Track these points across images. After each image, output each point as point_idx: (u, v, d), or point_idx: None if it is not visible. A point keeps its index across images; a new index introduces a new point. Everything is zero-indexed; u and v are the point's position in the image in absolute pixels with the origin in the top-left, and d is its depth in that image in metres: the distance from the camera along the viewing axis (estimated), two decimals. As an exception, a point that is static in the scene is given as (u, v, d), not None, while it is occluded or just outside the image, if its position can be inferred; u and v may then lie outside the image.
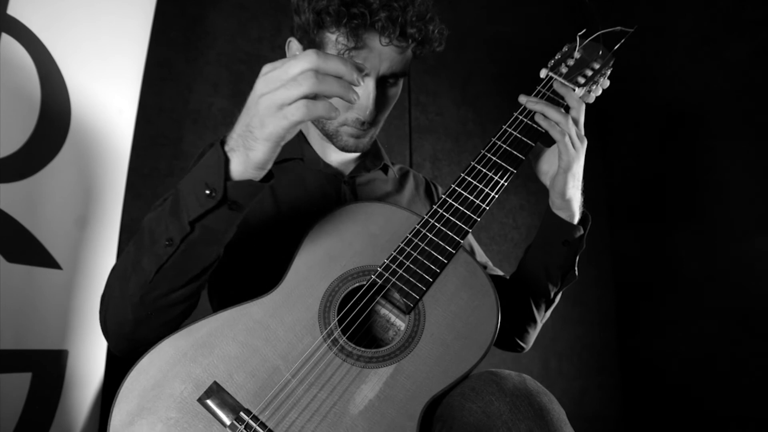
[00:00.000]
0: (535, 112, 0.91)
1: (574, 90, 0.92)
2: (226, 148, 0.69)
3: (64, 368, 1.29)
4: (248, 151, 0.67)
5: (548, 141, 0.93)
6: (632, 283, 2.49)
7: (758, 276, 1.91)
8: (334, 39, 0.89)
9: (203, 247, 0.74)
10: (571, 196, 0.92)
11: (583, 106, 0.91)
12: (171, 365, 0.75)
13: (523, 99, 0.92)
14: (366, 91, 0.92)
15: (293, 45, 0.99)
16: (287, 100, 0.63)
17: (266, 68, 0.66)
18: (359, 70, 0.67)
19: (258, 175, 0.70)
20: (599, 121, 2.46)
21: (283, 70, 0.64)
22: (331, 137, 1.00)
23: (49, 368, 1.25)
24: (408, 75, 0.98)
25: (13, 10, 1.22)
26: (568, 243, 0.94)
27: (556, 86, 0.92)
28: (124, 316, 0.78)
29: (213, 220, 0.71)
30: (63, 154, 1.30)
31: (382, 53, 0.90)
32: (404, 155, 2.24)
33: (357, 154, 1.11)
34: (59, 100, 1.31)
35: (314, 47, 0.91)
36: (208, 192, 0.69)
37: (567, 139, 0.87)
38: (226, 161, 0.68)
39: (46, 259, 1.25)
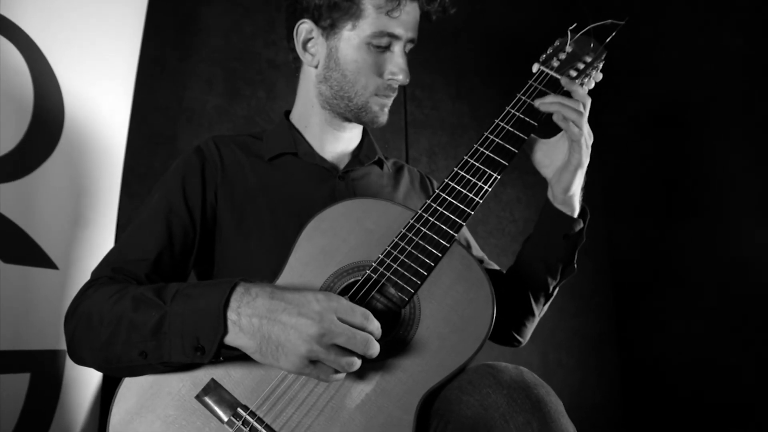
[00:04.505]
0: (527, 106, 0.91)
1: (582, 83, 0.92)
2: (230, 317, 0.68)
3: (62, 368, 1.29)
4: (260, 355, 0.68)
5: (542, 133, 0.93)
6: (630, 274, 2.49)
7: (756, 268, 1.92)
8: (374, 3, 0.93)
9: (176, 366, 0.74)
10: (575, 191, 0.92)
11: (590, 102, 0.90)
12: (168, 363, 0.75)
13: (537, 103, 0.90)
14: (399, 54, 0.97)
15: (305, 27, 1.00)
16: (341, 370, 0.68)
17: (356, 317, 0.69)
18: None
19: None
20: (593, 115, 2.45)
21: (364, 343, 0.68)
22: (359, 112, 1.01)
23: (47, 368, 1.25)
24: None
25: (4, 10, 1.22)
26: (568, 236, 0.94)
27: (564, 83, 0.91)
28: (85, 360, 0.79)
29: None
30: (57, 153, 1.30)
31: (411, 18, 0.96)
32: (400, 150, 2.24)
33: (353, 147, 1.11)
34: (52, 99, 1.31)
35: (346, 19, 0.95)
36: (197, 350, 0.69)
37: (583, 139, 0.87)
38: (225, 332, 0.68)
39: (42, 260, 1.25)
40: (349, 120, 1.05)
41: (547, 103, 0.89)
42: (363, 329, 0.69)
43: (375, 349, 0.69)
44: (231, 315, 0.68)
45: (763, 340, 1.88)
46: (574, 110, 0.87)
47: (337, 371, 0.68)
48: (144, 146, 1.74)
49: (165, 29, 1.86)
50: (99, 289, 0.80)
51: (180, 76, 1.88)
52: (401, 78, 0.98)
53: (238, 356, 0.71)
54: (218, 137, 1.05)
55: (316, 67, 1.02)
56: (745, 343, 1.94)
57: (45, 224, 1.26)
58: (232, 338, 0.68)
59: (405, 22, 0.95)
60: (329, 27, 0.97)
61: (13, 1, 1.24)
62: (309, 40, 1.01)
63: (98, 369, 0.80)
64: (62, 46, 1.33)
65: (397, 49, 0.97)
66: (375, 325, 0.70)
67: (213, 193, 0.97)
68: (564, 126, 0.88)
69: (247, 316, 0.68)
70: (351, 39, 0.96)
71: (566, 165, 0.90)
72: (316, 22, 0.98)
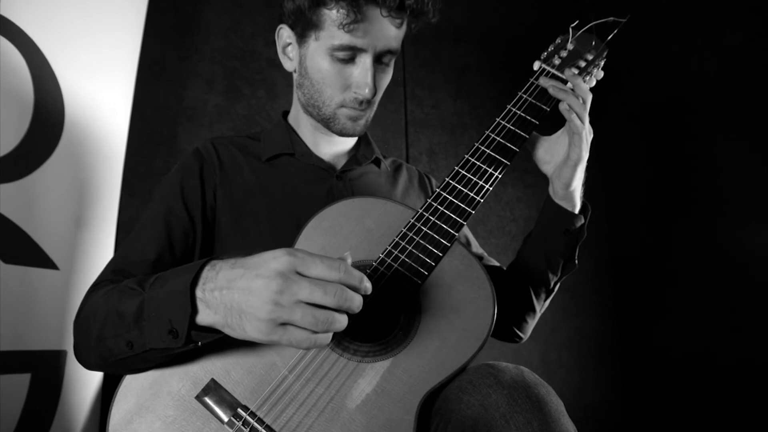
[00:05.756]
0: (529, 104, 0.90)
1: (566, 82, 0.91)
2: (197, 295, 0.65)
3: (63, 368, 1.29)
4: (229, 328, 0.64)
5: (543, 131, 0.93)
6: (631, 273, 2.49)
7: (757, 267, 1.92)
8: (334, 15, 0.89)
9: (163, 357, 0.72)
10: (576, 187, 0.92)
11: (590, 98, 0.90)
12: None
13: (544, 82, 0.91)
14: (364, 67, 0.93)
15: (284, 32, 0.99)
16: (316, 329, 0.60)
17: (318, 268, 0.61)
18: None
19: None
20: (595, 112, 2.44)
21: (333, 294, 0.60)
22: (328, 121, 1.00)
23: (48, 369, 1.26)
24: (400, 54, 0.98)
25: (4, 10, 1.22)
26: (569, 232, 0.94)
27: (567, 76, 0.91)
28: (87, 360, 0.79)
29: (176, 350, 0.70)
30: (57, 153, 1.30)
31: (381, 28, 0.90)
32: (400, 149, 2.24)
33: (349, 147, 1.11)
34: (53, 99, 1.31)
35: (310, 28, 0.92)
36: (170, 333, 0.66)
37: (585, 133, 0.87)
38: (194, 312, 0.65)
39: (42, 260, 1.25)
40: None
41: (557, 88, 0.89)
42: (336, 281, 0.61)
43: (353, 300, 0.61)
44: (198, 293, 0.65)
45: (764, 338, 1.87)
46: (580, 103, 0.87)
47: (315, 332, 0.61)
48: (144, 146, 1.74)
49: (165, 29, 1.86)
50: (98, 291, 0.81)
51: (180, 75, 1.88)
52: (365, 93, 0.94)
53: (218, 339, 0.69)
54: (216, 139, 1.06)
55: (295, 72, 1.02)
56: (745, 341, 1.94)
57: (45, 224, 1.26)
58: (202, 317, 0.65)
59: (371, 35, 0.90)
60: (300, 35, 0.96)
61: (13, 2, 1.24)
62: (288, 44, 1.00)
63: (99, 368, 0.80)
64: (62, 46, 1.33)
65: (363, 61, 0.93)
66: (354, 276, 0.62)
67: (212, 194, 0.97)
68: (567, 116, 0.87)
69: (210, 290, 0.65)
70: (316, 49, 0.94)
71: (566, 160, 0.90)
72: (292, 28, 0.97)
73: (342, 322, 0.61)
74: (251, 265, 0.63)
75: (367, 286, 0.63)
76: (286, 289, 0.59)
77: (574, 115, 0.87)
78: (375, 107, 1.01)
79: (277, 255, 0.62)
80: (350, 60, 0.93)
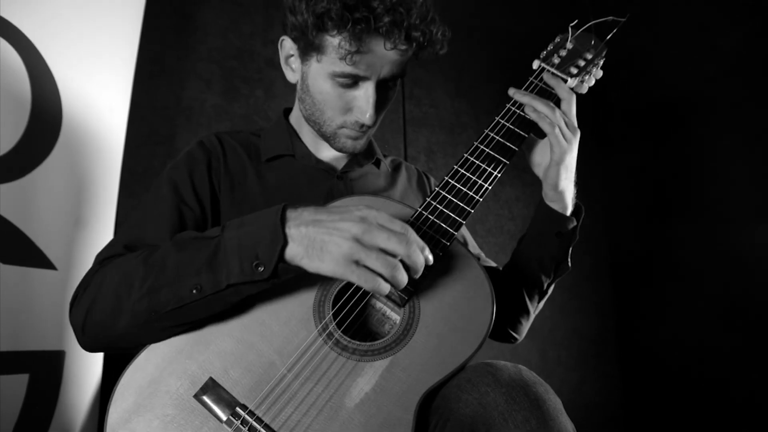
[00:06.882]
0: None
1: (566, 81, 0.92)
2: (288, 231, 0.70)
3: (61, 369, 1.28)
4: (308, 259, 0.69)
5: (541, 132, 0.93)
6: (629, 272, 2.49)
7: (755, 263, 1.92)
8: (336, 43, 0.87)
9: (229, 299, 0.74)
10: (564, 188, 0.92)
11: (574, 97, 0.91)
12: (167, 362, 0.75)
13: (512, 91, 0.92)
14: (366, 95, 0.92)
15: (287, 44, 0.97)
16: (384, 273, 0.67)
17: (397, 227, 0.69)
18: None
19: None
20: (594, 111, 2.46)
21: (404, 243, 0.68)
22: (328, 139, 1.00)
23: (46, 369, 1.25)
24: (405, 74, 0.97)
25: (3, 11, 1.21)
26: (561, 234, 0.95)
27: (546, 78, 0.92)
28: (112, 327, 0.77)
29: (250, 287, 0.72)
30: (55, 153, 1.29)
31: (384, 57, 0.89)
32: (399, 148, 2.24)
33: None
34: (50, 99, 1.30)
35: (312, 49, 0.90)
36: (256, 265, 0.70)
37: (557, 131, 0.87)
38: (285, 243, 0.69)
39: (40, 260, 1.24)
40: None
41: (519, 93, 0.91)
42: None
43: (419, 256, 0.69)
44: (285, 229, 0.70)
45: (763, 336, 1.88)
46: (545, 104, 0.88)
47: (383, 279, 0.67)
48: (142, 145, 1.74)
49: (163, 28, 1.85)
50: (115, 260, 0.80)
51: (178, 75, 1.88)
52: (366, 119, 0.93)
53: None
54: (219, 133, 1.06)
55: (297, 84, 1.01)
56: (744, 340, 1.94)
57: (43, 225, 1.26)
58: (289, 249, 0.70)
59: (374, 66, 0.89)
60: (302, 50, 0.94)
61: (11, 2, 1.23)
62: (291, 56, 0.99)
63: (130, 330, 0.76)
64: (60, 46, 1.33)
65: (365, 87, 0.92)
66: (419, 241, 0.70)
67: (217, 187, 0.98)
68: (535, 117, 0.88)
69: (296, 226, 0.70)
70: (318, 70, 0.92)
71: (550, 161, 0.90)
72: (295, 41, 0.95)
73: (404, 276, 0.68)
74: (335, 211, 0.71)
75: (429, 257, 0.71)
76: (368, 233, 0.67)
77: (542, 115, 0.88)
78: (378, 125, 1.01)
79: (361, 207, 0.71)
80: (353, 84, 0.92)
